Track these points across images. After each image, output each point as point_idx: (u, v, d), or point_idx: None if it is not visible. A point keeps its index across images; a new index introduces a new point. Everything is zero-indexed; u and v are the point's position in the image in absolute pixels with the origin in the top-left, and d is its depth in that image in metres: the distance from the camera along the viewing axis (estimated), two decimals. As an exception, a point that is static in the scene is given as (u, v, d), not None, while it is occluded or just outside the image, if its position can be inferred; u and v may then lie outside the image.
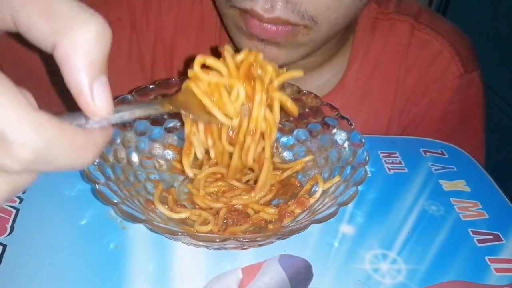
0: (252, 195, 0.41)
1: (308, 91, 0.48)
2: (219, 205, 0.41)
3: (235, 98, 0.35)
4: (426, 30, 0.61)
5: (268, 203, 0.42)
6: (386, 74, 0.61)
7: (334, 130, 0.45)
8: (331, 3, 0.45)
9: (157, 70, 0.63)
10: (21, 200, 0.41)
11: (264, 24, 0.45)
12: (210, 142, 0.38)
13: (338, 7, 0.46)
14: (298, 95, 0.48)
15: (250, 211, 0.41)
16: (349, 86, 0.61)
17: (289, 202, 0.41)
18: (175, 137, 0.49)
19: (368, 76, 0.61)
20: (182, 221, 0.39)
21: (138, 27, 0.60)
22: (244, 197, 0.41)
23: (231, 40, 0.55)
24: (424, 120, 0.63)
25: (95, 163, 0.37)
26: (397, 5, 0.62)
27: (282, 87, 0.49)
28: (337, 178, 0.40)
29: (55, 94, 0.65)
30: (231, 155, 0.40)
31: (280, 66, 0.49)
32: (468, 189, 0.48)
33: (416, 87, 0.61)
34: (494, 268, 0.38)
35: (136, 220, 0.32)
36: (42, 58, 0.61)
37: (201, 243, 0.35)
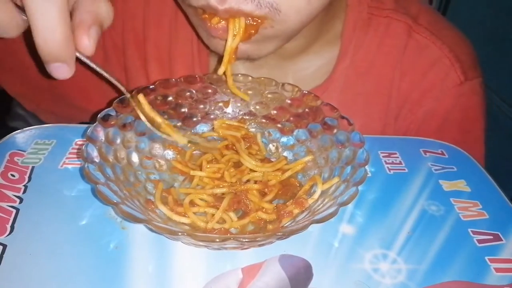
0: None
1: (308, 91, 0.48)
2: (219, 190, 0.42)
3: None
4: (425, 33, 0.57)
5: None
6: (380, 76, 0.58)
7: (335, 130, 0.45)
8: None
9: (131, 60, 0.62)
10: (21, 200, 0.41)
11: (222, 24, 0.42)
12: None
13: None
14: (298, 94, 0.49)
15: (250, 202, 0.41)
16: (338, 84, 0.58)
17: (287, 202, 0.41)
18: (175, 137, 0.49)
19: (360, 76, 0.58)
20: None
21: None
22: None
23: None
24: (422, 129, 0.60)
25: (95, 163, 0.37)
26: (395, 1, 0.58)
27: (283, 87, 0.49)
28: (336, 179, 0.40)
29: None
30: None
31: (254, 59, 0.48)
32: (468, 189, 0.48)
33: (412, 94, 0.58)
34: (494, 268, 0.38)
35: (136, 220, 0.32)
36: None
37: (201, 243, 0.35)
